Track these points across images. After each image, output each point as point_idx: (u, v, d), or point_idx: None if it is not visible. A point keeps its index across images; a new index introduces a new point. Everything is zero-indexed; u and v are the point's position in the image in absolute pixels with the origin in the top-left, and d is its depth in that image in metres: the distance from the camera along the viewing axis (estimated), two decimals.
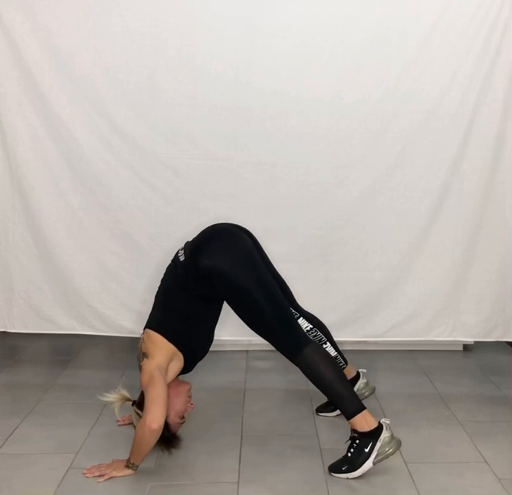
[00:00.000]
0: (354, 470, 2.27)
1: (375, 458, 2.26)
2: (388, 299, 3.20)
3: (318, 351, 2.39)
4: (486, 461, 2.41)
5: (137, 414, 2.40)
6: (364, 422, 2.29)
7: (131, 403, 2.45)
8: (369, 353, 3.48)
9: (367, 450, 2.27)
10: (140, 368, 2.40)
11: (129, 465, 2.28)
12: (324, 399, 2.85)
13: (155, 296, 2.58)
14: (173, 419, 2.39)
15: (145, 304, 3.17)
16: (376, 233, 3.15)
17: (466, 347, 3.62)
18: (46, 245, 3.14)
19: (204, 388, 2.94)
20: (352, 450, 2.30)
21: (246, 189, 3.11)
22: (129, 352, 3.30)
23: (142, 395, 2.39)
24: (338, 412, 2.77)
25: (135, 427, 2.41)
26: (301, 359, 2.35)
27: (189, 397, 2.49)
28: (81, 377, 3.21)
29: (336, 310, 3.15)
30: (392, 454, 2.27)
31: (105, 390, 3.00)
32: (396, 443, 2.28)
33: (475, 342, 3.47)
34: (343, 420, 2.71)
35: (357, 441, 2.29)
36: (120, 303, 3.21)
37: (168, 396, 2.30)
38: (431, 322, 3.21)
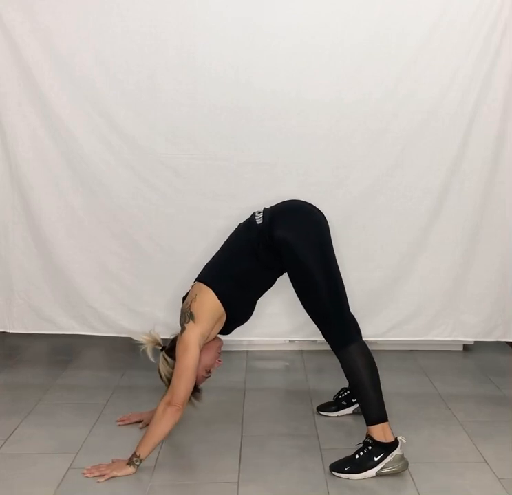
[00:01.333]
0: (357, 473, 2.28)
1: (380, 469, 2.28)
2: (388, 299, 3.20)
3: (363, 351, 2.39)
4: (486, 461, 2.41)
5: (165, 359, 2.45)
6: (382, 433, 2.31)
7: (160, 348, 2.50)
8: None
9: (376, 459, 2.28)
10: (182, 328, 2.37)
11: (133, 460, 2.28)
12: (324, 399, 2.86)
13: (217, 252, 2.57)
14: (200, 373, 2.42)
15: (145, 305, 3.18)
16: (376, 233, 3.15)
17: (466, 347, 3.63)
18: (46, 245, 3.13)
19: (204, 388, 2.93)
20: (361, 453, 2.31)
21: (246, 189, 3.10)
22: (128, 352, 3.30)
23: (173, 342, 2.45)
24: (338, 413, 2.78)
25: (160, 372, 2.47)
26: (345, 353, 2.37)
27: (219, 353, 2.54)
28: (81, 377, 3.21)
29: None
30: (396, 473, 2.29)
31: (105, 390, 3.03)
32: (404, 464, 2.30)
33: (475, 342, 3.47)
34: (343, 420, 2.73)
35: (370, 447, 2.31)
36: (120, 303, 3.20)
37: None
38: (431, 321, 3.21)
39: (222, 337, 2.60)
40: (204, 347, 2.39)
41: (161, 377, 2.48)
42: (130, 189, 3.10)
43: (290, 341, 3.52)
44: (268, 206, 2.58)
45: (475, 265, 3.15)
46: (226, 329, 2.54)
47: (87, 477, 2.27)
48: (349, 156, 3.08)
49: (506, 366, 3.40)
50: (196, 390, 2.42)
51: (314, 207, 2.57)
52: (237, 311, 2.50)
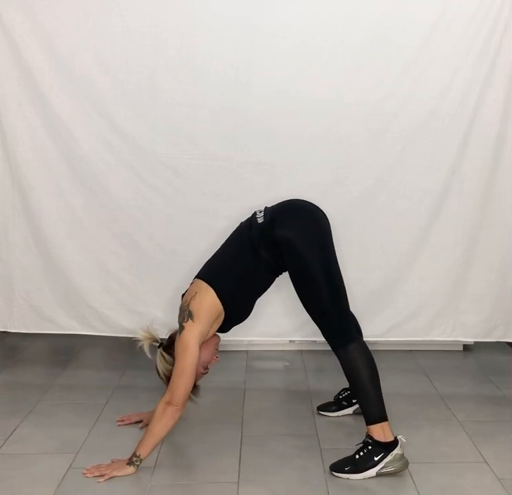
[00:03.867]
0: (357, 472, 2.28)
1: (380, 469, 2.27)
2: (388, 299, 3.20)
3: (362, 350, 2.39)
4: (486, 461, 2.41)
5: (163, 356, 2.46)
6: (381, 433, 2.31)
7: (157, 344, 2.50)
8: None
9: (376, 459, 2.28)
10: (180, 327, 2.37)
11: (132, 460, 2.28)
12: (324, 398, 2.86)
13: (218, 250, 2.57)
14: (198, 369, 2.41)
15: (145, 305, 3.18)
16: (376, 233, 3.15)
17: (466, 347, 3.62)
18: (46, 245, 3.13)
19: (204, 388, 2.93)
20: (361, 453, 2.30)
21: (246, 189, 3.10)
22: (128, 352, 3.30)
23: (170, 338, 2.47)
24: (338, 413, 2.78)
25: (157, 369, 2.47)
26: (344, 352, 2.37)
27: (216, 349, 2.55)
28: (81, 377, 3.21)
29: None
30: (396, 472, 2.29)
31: (105, 390, 3.03)
32: (404, 463, 2.30)
33: (475, 342, 3.47)
34: (343, 420, 2.73)
35: (370, 447, 2.30)
36: (120, 303, 3.20)
37: None
38: (431, 322, 3.21)
39: (221, 335, 2.60)
40: (202, 344, 2.38)
41: (159, 374, 2.48)
42: (130, 189, 3.11)
43: (290, 341, 3.52)
44: (269, 205, 2.58)
45: (475, 265, 3.15)
46: (223, 328, 2.54)
47: (87, 477, 2.27)
48: (349, 156, 3.08)
49: (506, 366, 3.40)
50: (194, 387, 2.42)
51: (317, 207, 2.57)
52: (236, 311, 2.50)
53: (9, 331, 3.24)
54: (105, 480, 2.24)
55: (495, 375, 3.25)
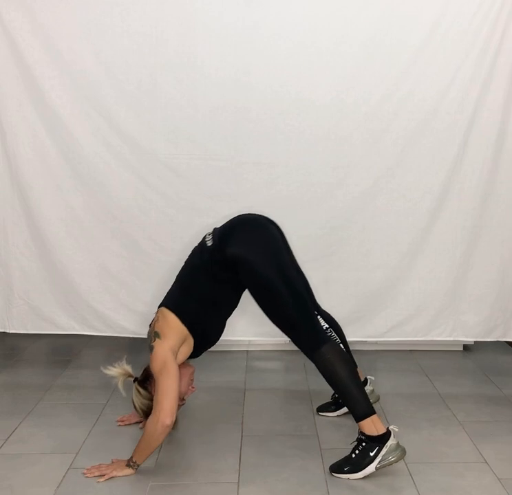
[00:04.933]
0: (356, 472, 2.28)
1: (379, 463, 2.27)
2: (388, 299, 3.20)
3: (336, 350, 2.40)
4: (486, 461, 2.41)
5: (138, 391, 2.41)
6: (372, 426, 2.30)
7: (132, 379, 2.46)
8: (369, 353, 3.49)
9: (372, 454, 2.27)
10: (150, 348, 2.37)
11: (130, 464, 2.28)
12: (324, 399, 2.86)
13: (177, 277, 2.58)
14: None
15: (145, 305, 3.18)
16: (376, 233, 3.15)
17: (466, 347, 3.63)
18: (46, 245, 3.13)
19: (204, 388, 2.94)
20: (356, 452, 2.30)
21: (246, 189, 3.10)
22: (128, 352, 3.30)
23: (145, 372, 2.43)
24: (339, 412, 2.78)
25: (134, 404, 2.44)
26: (318, 355, 2.36)
27: (192, 379, 2.51)
28: (81, 377, 3.21)
29: (336, 310, 3.14)
30: (395, 462, 2.28)
31: (105, 390, 3.03)
32: (401, 451, 2.29)
33: (475, 342, 3.47)
34: (343, 420, 2.72)
35: (363, 444, 2.30)
36: (120, 303, 3.20)
37: None
38: (431, 322, 3.21)
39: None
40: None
41: (135, 408, 2.46)
42: (130, 189, 3.10)
43: (290, 341, 3.51)
44: (218, 226, 2.59)
45: (475, 265, 3.15)
46: (196, 353, 2.53)
47: (87, 477, 2.27)
48: (349, 156, 3.08)
49: (506, 366, 3.40)
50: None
51: (262, 216, 2.58)
52: (204, 334, 2.50)
53: (8, 331, 3.24)
54: (105, 480, 2.25)
55: (495, 375, 3.26)
